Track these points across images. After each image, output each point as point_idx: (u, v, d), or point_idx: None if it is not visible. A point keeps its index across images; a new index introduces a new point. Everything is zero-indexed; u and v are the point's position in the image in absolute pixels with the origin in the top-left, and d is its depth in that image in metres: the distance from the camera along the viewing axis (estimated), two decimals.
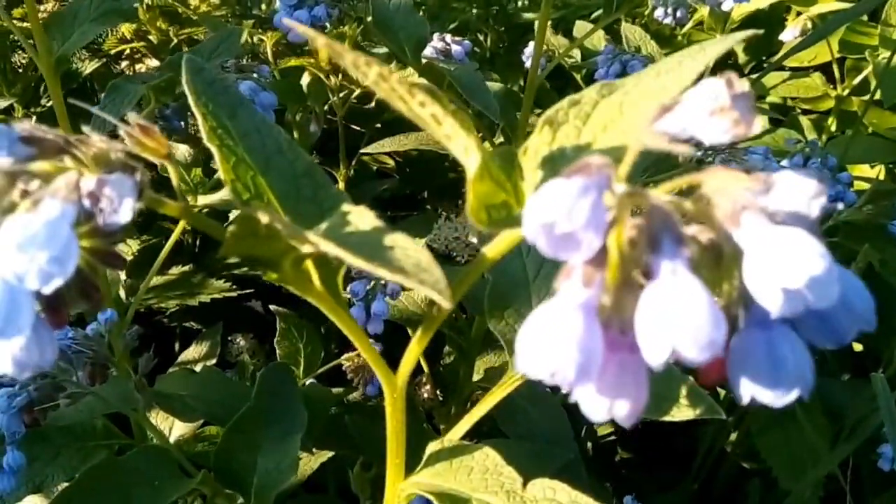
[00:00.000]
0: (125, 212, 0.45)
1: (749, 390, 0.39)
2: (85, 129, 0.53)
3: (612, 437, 1.78)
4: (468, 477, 0.77)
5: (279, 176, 0.66)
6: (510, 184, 0.50)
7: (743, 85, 0.38)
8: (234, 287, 1.66)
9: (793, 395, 0.39)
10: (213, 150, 0.62)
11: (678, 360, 0.37)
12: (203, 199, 1.48)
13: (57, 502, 0.95)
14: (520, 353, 0.39)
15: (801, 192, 0.40)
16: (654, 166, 1.03)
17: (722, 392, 1.45)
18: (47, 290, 0.42)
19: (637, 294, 0.39)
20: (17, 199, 0.49)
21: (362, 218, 0.56)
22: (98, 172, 0.47)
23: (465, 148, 0.46)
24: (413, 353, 0.69)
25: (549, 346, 0.37)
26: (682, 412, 0.70)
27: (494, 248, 0.56)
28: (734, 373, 0.40)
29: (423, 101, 0.44)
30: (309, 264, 0.66)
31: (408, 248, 0.49)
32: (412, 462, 0.81)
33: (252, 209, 0.52)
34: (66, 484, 1.07)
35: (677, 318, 0.36)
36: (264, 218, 0.52)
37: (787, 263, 0.36)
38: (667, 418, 0.70)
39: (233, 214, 1.52)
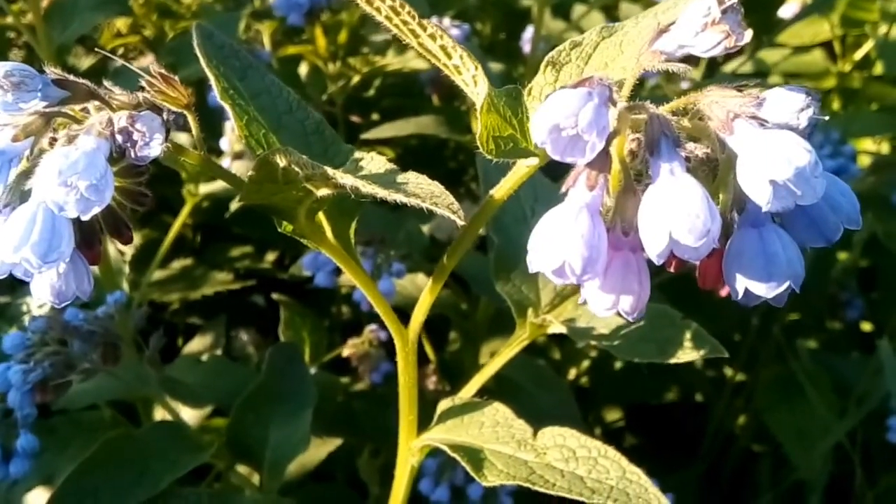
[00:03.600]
0: (156, 145, 0.47)
1: (743, 283, 0.42)
2: (107, 83, 0.56)
3: (621, 423, 1.78)
4: (480, 430, 0.79)
5: (289, 133, 0.69)
6: (517, 120, 0.53)
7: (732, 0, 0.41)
8: (236, 279, 1.67)
9: (784, 287, 0.42)
10: (227, 107, 0.65)
11: (676, 253, 0.40)
12: (205, 188, 1.51)
13: (74, 475, 0.96)
14: (531, 250, 0.42)
15: (790, 105, 0.43)
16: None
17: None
18: (86, 217, 0.45)
19: (637, 200, 0.42)
20: (46, 146, 0.52)
21: (375, 162, 0.59)
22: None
23: (474, 78, 0.49)
24: (425, 303, 0.71)
25: (557, 241, 0.40)
26: (687, 354, 0.72)
27: (501, 189, 0.58)
28: (729, 269, 0.43)
29: (434, 34, 0.47)
30: (322, 217, 0.69)
31: (420, 181, 0.52)
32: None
33: (271, 152, 0.54)
34: None
35: (674, 208, 0.39)
36: (282, 160, 0.55)
37: (774, 158, 0.39)
38: (672, 360, 0.72)
39: (234, 205, 1.54)
